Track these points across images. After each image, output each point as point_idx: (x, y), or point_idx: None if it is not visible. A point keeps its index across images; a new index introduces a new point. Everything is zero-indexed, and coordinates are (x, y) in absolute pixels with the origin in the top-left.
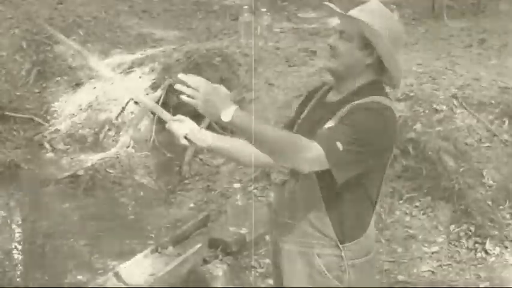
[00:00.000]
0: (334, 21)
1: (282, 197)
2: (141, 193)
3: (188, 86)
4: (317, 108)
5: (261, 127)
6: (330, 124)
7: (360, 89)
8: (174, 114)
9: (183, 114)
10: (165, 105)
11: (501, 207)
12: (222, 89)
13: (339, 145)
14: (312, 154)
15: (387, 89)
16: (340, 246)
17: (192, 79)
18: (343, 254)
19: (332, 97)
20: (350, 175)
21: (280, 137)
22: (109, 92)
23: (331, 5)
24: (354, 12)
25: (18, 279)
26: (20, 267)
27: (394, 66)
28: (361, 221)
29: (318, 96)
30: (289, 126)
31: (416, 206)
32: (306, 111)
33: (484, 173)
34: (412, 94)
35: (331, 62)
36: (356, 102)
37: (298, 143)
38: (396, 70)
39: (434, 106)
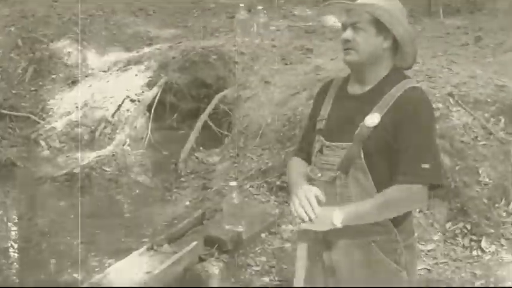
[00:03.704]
0: (331, 20)
1: (333, 193)
2: (137, 191)
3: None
4: (343, 102)
5: (369, 209)
6: (373, 116)
7: (386, 78)
8: (171, 112)
9: (179, 113)
10: (161, 102)
11: (497, 205)
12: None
13: (425, 165)
14: (419, 194)
15: None
16: (395, 229)
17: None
18: (398, 238)
19: (356, 90)
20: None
21: (388, 204)
22: (105, 90)
23: (339, 0)
24: (361, 2)
25: (14, 278)
26: (16, 266)
27: (409, 43)
28: None
29: (334, 90)
30: (311, 125)
31: None
32: (329, 106)
33: (480, 171)
34: None
35: (351, 55)
36: (396, 94)
37: (405, 198)
38: (412, 46)
39: None
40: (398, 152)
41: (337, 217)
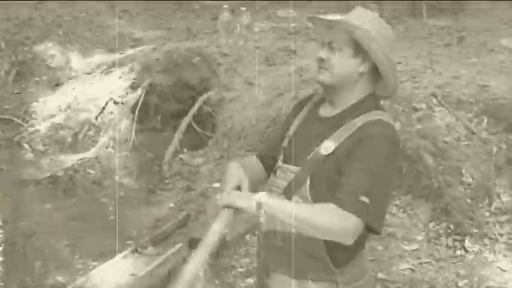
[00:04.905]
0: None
1: (274, 219)
2: (121, 193)
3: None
4: (310, 123)
5: (294, 211)
6: (328, 143)
7: (356, 104)
8: (155, 114)
9: (163, 115)
10: (144, 104)
11: (480, 205)
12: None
13: (365, 199)
14: (351, 226)
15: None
16: (335, 270)
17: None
18: (338, 279)
19: (326, 112)
20: (385, 215)
21: (314, 215)
22: (88, 92)
23: (319, 16)
24: (342, 19)
25: None
26: (1, 269)
27: (389, 71)
28: (356, 242)
29: (308, 108)
30: (277, 139)
31: (396, 204)
32: (297, 125)
33: (463, 171)
34: None
35: (323, 75)
36: (358, 124)
37: (334, 219)
38: (392, 75)
39: (414, 105)
40: (342, 179)
41: (263, 195)
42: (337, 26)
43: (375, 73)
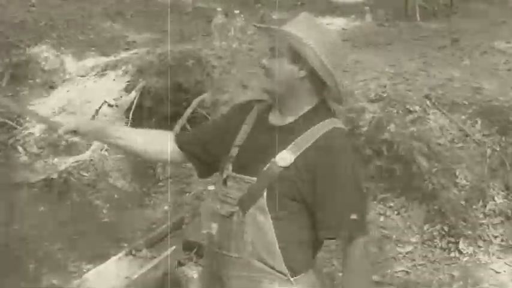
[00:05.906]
0: None
1: (229, 229)
2: (115, 196)
3: None
4: (261, 132)
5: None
6: (285, 155)
7: (309, 113)
8: (149, 117)
9: (157, 117)
10: (139, 107)
11: (474, 207)
12: None
13: (354, 216)
14: (367, 249)
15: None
16: (292, 280)
17: None
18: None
19: (277, 120)
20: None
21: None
22: (82, 95)
23: (257, 24)
24: (276, 26)
25: None
26: None
27: (328, 77)
28: (312, 251)
29: (254, 116)
30: (209, 139)
31: (390, 207)
32: (246, 135)
33: (457, 173)
34: (385, 95)
35: (266, 83)
36: (316, 135)
37: (366, 258)
38: (332, 82)
39: (408, 107)
40: (323, 204)
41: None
42: (272, 33)
43: (320, 79)
